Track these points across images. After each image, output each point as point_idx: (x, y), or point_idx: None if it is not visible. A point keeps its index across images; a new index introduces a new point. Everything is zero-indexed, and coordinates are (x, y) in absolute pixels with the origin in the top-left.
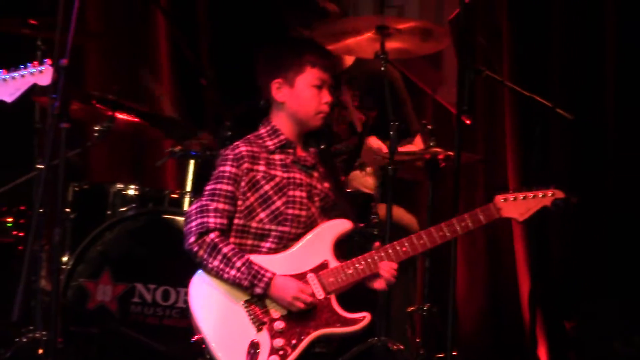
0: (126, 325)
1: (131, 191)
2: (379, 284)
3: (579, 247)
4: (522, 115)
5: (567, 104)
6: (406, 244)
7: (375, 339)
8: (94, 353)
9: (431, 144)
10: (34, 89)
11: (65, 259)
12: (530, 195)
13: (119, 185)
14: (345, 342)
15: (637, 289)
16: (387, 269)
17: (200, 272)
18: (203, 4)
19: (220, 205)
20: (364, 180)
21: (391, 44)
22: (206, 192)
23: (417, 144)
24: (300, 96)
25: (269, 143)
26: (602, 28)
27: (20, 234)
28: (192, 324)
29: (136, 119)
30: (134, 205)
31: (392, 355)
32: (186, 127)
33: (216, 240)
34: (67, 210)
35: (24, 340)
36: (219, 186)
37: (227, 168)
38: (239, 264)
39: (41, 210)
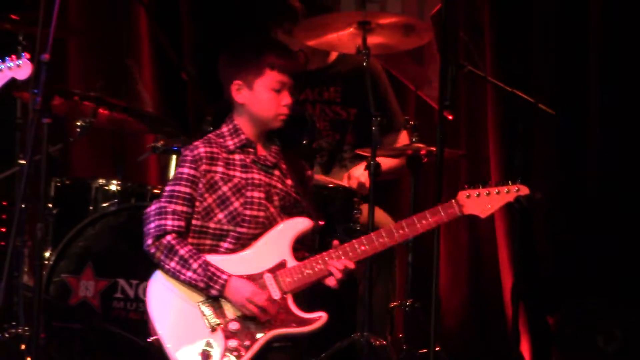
0: (109, 321)
1: (113, 186)
2: (329, 281)
3: (562, 242)
4: (504, 111)
5: (549, 99)
6: (365, 243)
7: (358, 334)
8: (76, 348)
9: (414, 140)
10: (14, 84)
11: (47, 254)
12: (494, 191)
13: (101, 181)
14: (327, 338)
15: (620, 284)
16: (338, 267)
17: (156, 273)
18: (186, 1)
19: (179, 208)
20: (345, 177)
21: (373, 39)
22: (165, 194)
23: (403, 140)
24: (260, 99)
25: (229, 143)
26: (585, 22)
27: (2, 230)
28: (149, 325)
29: (118, 115)
30: (116, 200)
31: (375, 351)
32: (168, 123)
33: (172, 242)
34: (49, 205)
35: (7, 336)
36: (177, 188)
37: (185, 170)
38: (195, 265)
39: (23, 206)
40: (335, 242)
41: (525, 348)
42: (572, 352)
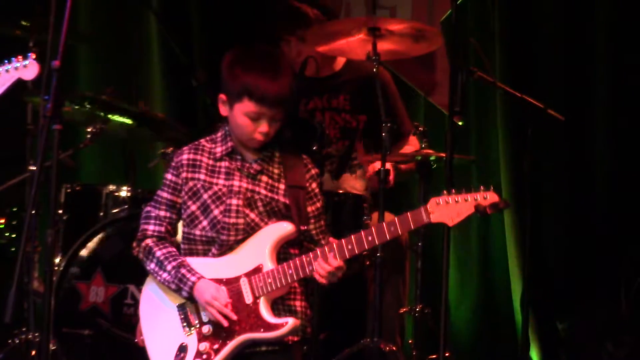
0: (119, 327)
1: (123, 192)
2: (319, 279)
3: (572, 248)
4: (514, 117)
5: (559, 105)
6: (334, 248)
7: (368, 339)
8: (87, 354)
9: (423, 146)
10: (21, 84)
11: (57, 260)
12: (463, 198)
13: (112, 187)
14: (337, 344)
15: (628, 290)
16: (321, 272)
17: (148, 278)
18: (195, 6)
19: (162, 213)
20: (355, 183)
21: (383, 45)
22: (154, 197)
23: (412, 145)
24: (236, 121)
25: (218, 149)
26: (594, 29)
27: (13, 236)
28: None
29: (129, 121)
30: (126, 206)
31: (385, 356)
32: (178, 129)
33: (151, 244)
34: (60, 211)
35: (17, 341)
36: (161, 193)
37: (169, 176)
38: (169, 267)
39: (34, 212)
40: (330, 239)
41: (534, 353)
42: (581, 358)
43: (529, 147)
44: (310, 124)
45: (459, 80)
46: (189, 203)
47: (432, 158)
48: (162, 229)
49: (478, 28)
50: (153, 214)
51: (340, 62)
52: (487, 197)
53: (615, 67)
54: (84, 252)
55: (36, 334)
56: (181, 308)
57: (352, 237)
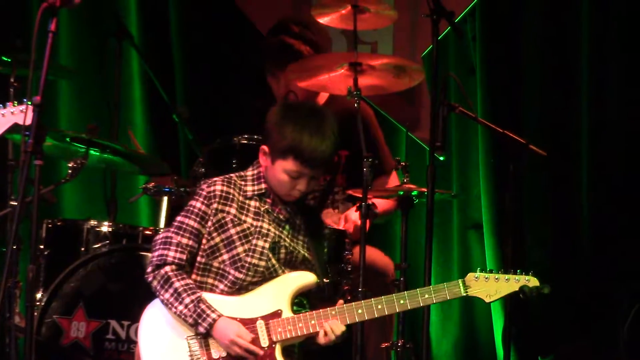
0: None
1: (105, 228)
2: (320, 339)
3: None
4: (496, 152)
5: (541, 140)
6: (363, 307)
7: None
8: None
9: (405, 180)
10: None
11: (39, 295)
12: (503, 278)
13: (93, 222)
14: None
15: (611, 330)
16: (333, 329)
17: (154, 302)
18: (178, 40)
19: (185, 240)
20: (336, 218)
21: (364, 80)
22: (175, 223)
23: (393, 181)
24: (275, 176)
25: (249, 188)
26: (576, 66)
27: None
28: (135, 349)
29: (109, 156)
30: (107, 241)
31: None
32: (159, 164)
33: (170, 273)
34: (41, 246)
35: None
36: (186, 220)
37: (198, 205)
38: (187, 300)
39: (15, 247)
40: (340, 301)
41: None
42: None
43: (511, 182)
44: None
45: (440, 114)
46: (214, 234)
47: (414, 193)
48: (184, 257)
49: (459, 63)
50: (175, 240)
51: (323, 97)
52: (529, 280)
53: (599, 101)
54: (65, 288)
55: None
56: (190, 340)
57: (383, 298)
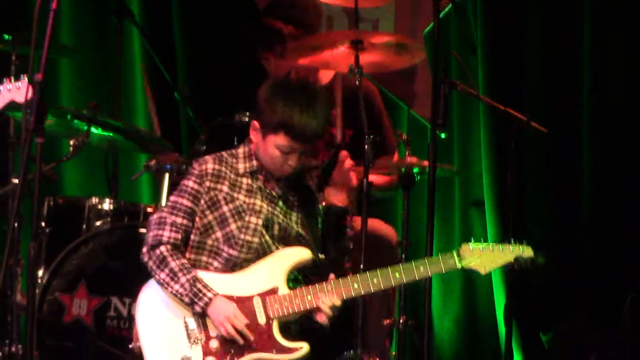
0: (102, 339)
1: (106, 205)
2: (319, 317)
3: (556, 260)
4: (497, 129)
5: (542, 117)
6: (359, 280)
7: (352, 351)
8: None
9: (407, 153)
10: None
11: (40, 273)
12: (498, 248)
13: (94, 200)
14: (324, 356)
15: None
16: (326, 303)
17: (150, 282)
18: (179, 19)
19: (179, 220)
20: (338, 196)
21: (366, 58)
22: (169, 203)
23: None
24: (267, 151)
25: (240, 166)
26: (579, 43)
27: None
28: (133, 331)
29: (111, 133)
30: (109, 219)
31: None
32: (161, 142)
33: (165, 253)
34: (43, 224)
35: (0, 354)
36: (180, 200)
37: (190, 184)
38: (183, 280)
39: (16, 225)
40: (332, 275)
41: None
42: None
43: (512, 159)
44: None
45: (442, 92)
46: (207, 212)
47: (416, 170)
48: (179, 236)
49: (461, 40)
50: (169, 220)
51: (327, 76)
52: (524, 251)
53: (601, 78)
54: (67, 265)
55: (19, 347)
56: (188, 319)
57: (378, 272)
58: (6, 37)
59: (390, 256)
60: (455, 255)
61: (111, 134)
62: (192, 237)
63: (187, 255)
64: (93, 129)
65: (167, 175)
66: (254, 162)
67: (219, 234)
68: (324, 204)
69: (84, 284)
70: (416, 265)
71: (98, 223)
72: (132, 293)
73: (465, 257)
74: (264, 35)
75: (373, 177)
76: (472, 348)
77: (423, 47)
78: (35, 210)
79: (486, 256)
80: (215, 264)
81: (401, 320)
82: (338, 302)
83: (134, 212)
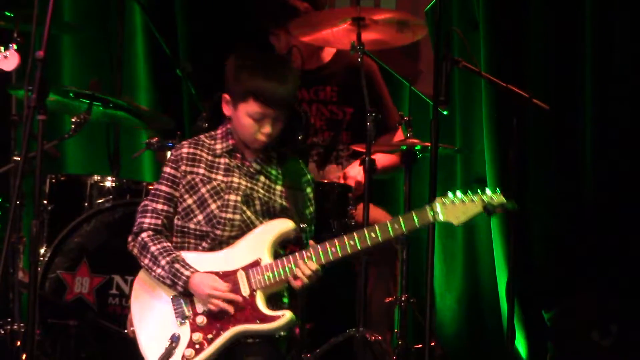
0: (104, 317)
1: (108, 183)
2: (293, 284)
3: (558, 238)
4: (499, 106)
5: (544, 95)
6: (336, 244)
7: (354, 329)
8: (72, 345)
9: (408, 135)
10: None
11: (42, 251)
12: (469, 199)
13: (96, 177)
14: (326, 334)
15: (615, 280)
16: (304, 271)
17: (143, 268)
18: None
19: (159, 206)
20: (340, 174)
21: (367, 35)
22: (151, 191)
23: (398, 138)
24: (240, 121)
25: (218, 146)
26: (581, 19)
27: None
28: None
29: (112, 111)
30: (111, 196)
31: (370, 346)
32: (163, 119)
33: (146, 239)
34: (44, 202)
35: (2, 332)
36: (159, 187)
37: (167, 169)
38: (163, 262)
39: (18, 203)
40: (311, 242)
41: (521, 343)
42: (567, 346)
43: (514, 137)
44: (295, 112)
45: (444, 69)
46: (186, 196)
47: (418, 147)
48: (159, 222)
49: (462, 17)
50: (150, 207)
51: (329, 53)
52: (495, 198)
53: (604, 55)
54: (69, 243)
55: (21, 325)
56: (175, 300)
57: (354, 233)
58: (8, 14)
59: (390, 247)
60: (428, 209)
61: (113, 111)
62: (176, 222)
63: (175, 239)
64: (95, 106)
65: (168, 153)
66: (230, 142)
67: (200, 217)
68: (325, 181)
69: (86, 261)
70: (391, 223)
71: (100, 201)
72: (134, 271)
73: (439, 211)
74: (277, 11)
75: (379, 157)
76: (474, 326)
77: (425, 24)
78: (37, 188)
79: (458, 208)
80: (204, 244)
81: (403, 298)
82: (314, 267)
83: (135, 190)
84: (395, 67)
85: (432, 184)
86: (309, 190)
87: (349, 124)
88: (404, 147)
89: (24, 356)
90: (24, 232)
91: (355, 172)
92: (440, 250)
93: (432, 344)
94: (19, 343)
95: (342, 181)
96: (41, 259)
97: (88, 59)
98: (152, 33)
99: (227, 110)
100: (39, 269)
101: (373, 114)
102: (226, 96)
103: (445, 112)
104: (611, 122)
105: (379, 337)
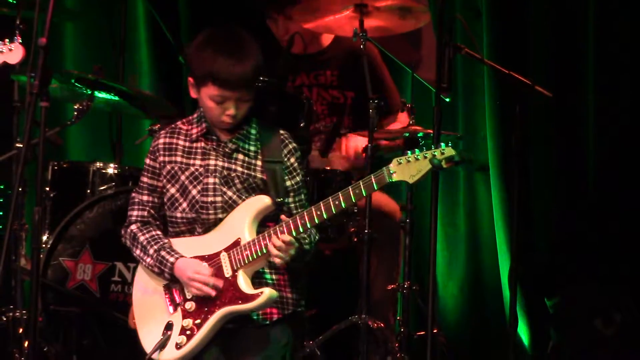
0: (106, 304)
1: (111, 170)
2: (274, 260)
3: (561, 224)
4: (502, 93)
5: (546, 82)
6: (305, 216)
7: (356, 316)
8: (74, 331)
9: (411, 122)
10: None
11: (45, 238)
12: (421, 156)
13: (99, 164)
14: (329, 321)
15: (619, 268)
16: (276, 244)
17: None
18: None
19: (145, 198)
20: (342, 160)
21: (370, 22)
22: (138, 183)
23: (402, 122)
24: (204, 104)
25: (194, 131)
26: (584, 7)
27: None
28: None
29: (115, 98)
30: (113, 184)
31: (373, 333)
32: (165, 106)
33: (135, 230)
34: (47, 189)
35: (5, 319)
36: (142, 179)
37: (148, 161)
38: (151, 251)
39: (20, 190)
40: (282, 217)
41: (523, 330)
42: (570, 334)
43: (517, 124)
44: (297, 99)
45: (446, 56)
46: (168, 186)
47: (420, 134)
48: (145, 213)
49: (465, 4)
50: (137, 200)
51: (328, 38)
52: (444, 152)
53: (605, 43)
54: (71, 230)
55: (24, 312)
56: (167, 288)
57: (321, 204)
58: (11, 0)
59: (393, 233)
60: (384, 171)
61: (115, 98)
62: (166, 212)
63: (170, 229)
64: (97, 93)
65: None
66: (203, 125)
67: (184, 204)
68: (327, 168)
69: (88, 249)
70: (352, 188)
71: (102, 188)
72: (136, 258)
73: (396, 171)
74: None
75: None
76: (476, 313)
77: (427, 11)
78: (39, 175)
79: (412, 166)
80: (198, 229)
81: (405, 285)
82: (288, 238)
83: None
84: (398, 54)
85: (435, 172)
86: (292, 160)
87: (351, 108)
88: (407, 134)
89: (26, 343)
90: (26, 219)
91: (354, 143)
92: (443, 237)
93: (435, 331)
94: (21, 330)
95: (344, 153)
96: (43, 246)
97: (91, 46)
98: (155, 19)
99: (193, 93)
100: (42, 256)
101: (375, 101)
102: (190, 79)
103: (447, 99)
104: (614, 109)
105: (382, 325)
